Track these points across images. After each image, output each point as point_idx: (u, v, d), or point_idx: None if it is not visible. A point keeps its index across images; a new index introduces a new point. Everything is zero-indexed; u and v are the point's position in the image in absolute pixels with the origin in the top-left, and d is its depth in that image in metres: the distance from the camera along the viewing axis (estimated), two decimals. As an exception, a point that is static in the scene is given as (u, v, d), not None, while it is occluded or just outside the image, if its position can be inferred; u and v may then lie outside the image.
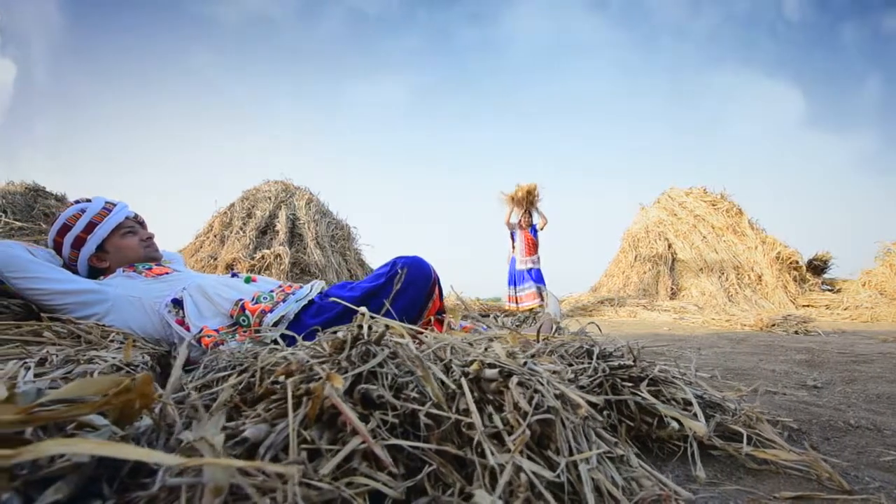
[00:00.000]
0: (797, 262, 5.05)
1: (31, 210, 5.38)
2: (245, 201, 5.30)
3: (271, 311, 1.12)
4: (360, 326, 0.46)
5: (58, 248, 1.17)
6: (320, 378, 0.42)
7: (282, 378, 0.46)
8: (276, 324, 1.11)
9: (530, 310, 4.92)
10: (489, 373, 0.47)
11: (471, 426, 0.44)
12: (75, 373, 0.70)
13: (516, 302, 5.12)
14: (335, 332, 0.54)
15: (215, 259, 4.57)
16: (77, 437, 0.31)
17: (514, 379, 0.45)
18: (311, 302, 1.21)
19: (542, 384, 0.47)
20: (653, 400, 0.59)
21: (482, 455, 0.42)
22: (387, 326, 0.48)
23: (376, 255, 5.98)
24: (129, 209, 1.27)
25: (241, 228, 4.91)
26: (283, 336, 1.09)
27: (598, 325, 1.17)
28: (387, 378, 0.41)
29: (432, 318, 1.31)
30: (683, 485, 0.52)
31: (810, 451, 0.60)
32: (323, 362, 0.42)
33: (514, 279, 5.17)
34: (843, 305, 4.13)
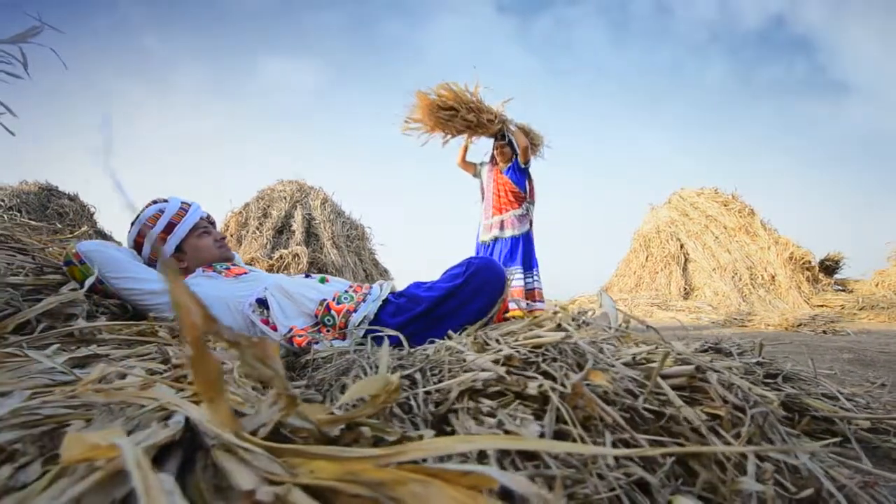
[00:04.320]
0: (810, 263, 5.10)
1: (45, 209, 5.37)
2: (260, 201, 5.29)
3: (355, 311, 1.13)
4: (560, 325, 0.48)
5: (138, 248, 1.18)
6: (533, 377, 0.43)
7: (464, 374, 0.48)
8: (359, 323, 1.13)
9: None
10: (684, 369, 0.48)
11: (677, 420, 0.46)
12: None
13: None
14: (510, 329, 0.55)
15: (233, 259, 4.57)
16: (467, 434, 0.32)
17: (714, 375, 0.47)
18: (386, 301, 1.23)
19: (734, 380, 0.48)
20: (798, 393, 0.61)
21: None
22: (577, 327, 0.49)
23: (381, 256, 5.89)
24: (202, 209, 1.28)
25: (258, 228, 4.91)
26: (365, 335, 1.11)
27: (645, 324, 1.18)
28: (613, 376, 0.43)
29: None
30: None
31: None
32: (545, 360, 0.44)
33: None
34: (859, 305, 4.18)
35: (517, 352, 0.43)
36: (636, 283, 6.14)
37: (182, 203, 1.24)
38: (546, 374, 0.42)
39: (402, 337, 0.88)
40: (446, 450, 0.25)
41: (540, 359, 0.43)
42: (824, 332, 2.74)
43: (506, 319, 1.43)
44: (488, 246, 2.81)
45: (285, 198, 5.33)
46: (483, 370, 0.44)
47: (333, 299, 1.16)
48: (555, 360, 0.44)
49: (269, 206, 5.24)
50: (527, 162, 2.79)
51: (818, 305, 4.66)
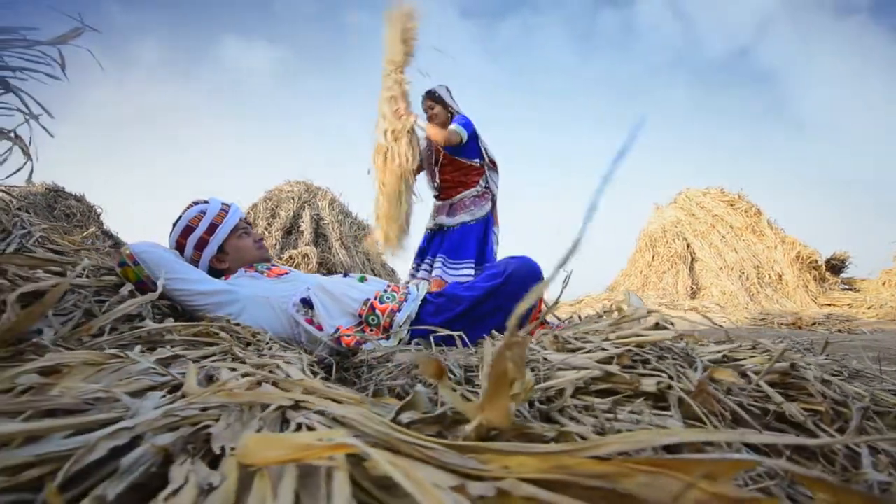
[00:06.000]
0: (816, 262, 5.13)
1: (53, 210, 5.36)
2: (268, 201, 5.30)
3: (399, 310, 1.14)
4: (658, 325, 0.49)
5: (180, 249, 1.19)
6: (656, 374, 0.44)
7: (570, 372, 0.49)
8: (402, 323, 1.13)
9: None
10: (778, 366, 0.49)
11: (780, 417, 0.47)
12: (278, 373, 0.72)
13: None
14: (595, 326, 0.56)
15: (242, 259, 4.57)
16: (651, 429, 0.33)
17: (810, 373, 0.48)
18: (425, 300, 1.24)
19: (826, 376, 0.49)
20: (871, 388, 0.62)
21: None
22: (668, 323, 0.50)
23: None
24: (240, 210, 1.29)
25: (267, 228, 4.91)
26: (412, 336, 1.12)
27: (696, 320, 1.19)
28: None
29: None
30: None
31: None
32: (657, 358, 0.45)
33: (423, 250, 2.27)
34: (867, 305, 4.21)
35: (631, 349, 0.44)
36: (643, 282, 6.16)
37: (223, 204, 1.25)
38: (656, 371, 0.43)
39: (463, 336, 0.89)
40: (645, 443, 0.26)
41: (652, 356, 0.44)
42: (839, 330, 2.76)
43: (545, 323, 1.44)
44: (433, 234, 2.21)
45: (293, 198, 5.34)
46: (585, 368, 0.45)
47: (376, 299, 1.16)
48: (662, 358, 0.45)
49: (276, 207, 5.24)
50: (459, 143, 2.09)
51: (826, 304, 4.69)
